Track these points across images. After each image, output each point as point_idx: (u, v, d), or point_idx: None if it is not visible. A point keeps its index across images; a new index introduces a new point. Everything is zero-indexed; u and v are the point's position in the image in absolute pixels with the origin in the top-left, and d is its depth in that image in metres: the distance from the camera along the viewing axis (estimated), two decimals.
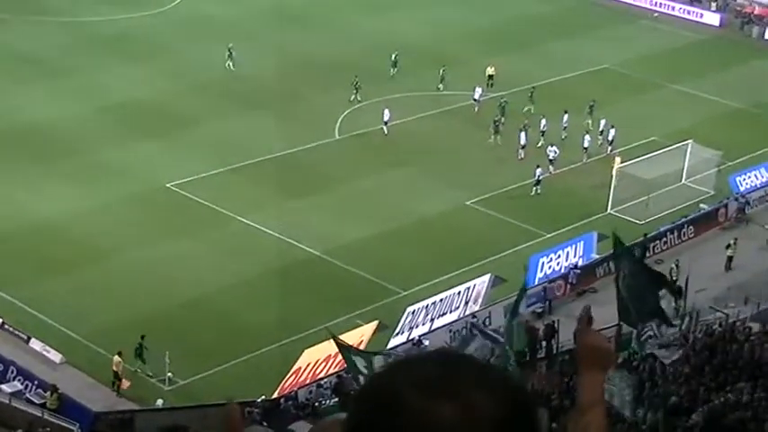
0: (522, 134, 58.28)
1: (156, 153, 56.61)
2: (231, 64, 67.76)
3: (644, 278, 32.97)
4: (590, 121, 61.33)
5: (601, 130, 60.86)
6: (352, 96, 63.63)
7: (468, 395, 2.81)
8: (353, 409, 2.90)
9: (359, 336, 41.19)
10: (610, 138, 59.93)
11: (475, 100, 64.60)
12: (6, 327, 42.15)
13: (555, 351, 40.11)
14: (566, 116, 60.96)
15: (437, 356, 2.92)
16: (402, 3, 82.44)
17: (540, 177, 54.78)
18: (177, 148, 57.29)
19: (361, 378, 32.17)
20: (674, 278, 45.91)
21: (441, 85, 66.28)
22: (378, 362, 32.21)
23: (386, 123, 60.11)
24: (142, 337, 39.95)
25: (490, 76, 67.50)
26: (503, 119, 60.58)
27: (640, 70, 72.54)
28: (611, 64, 73.65)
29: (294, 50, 70.86)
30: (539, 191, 54.92)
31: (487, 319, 44.51)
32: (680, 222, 52.65)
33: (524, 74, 68.67)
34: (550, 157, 56.67)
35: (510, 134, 59.03)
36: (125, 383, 38.88)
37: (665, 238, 51.16)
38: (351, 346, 34.71)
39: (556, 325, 40.81)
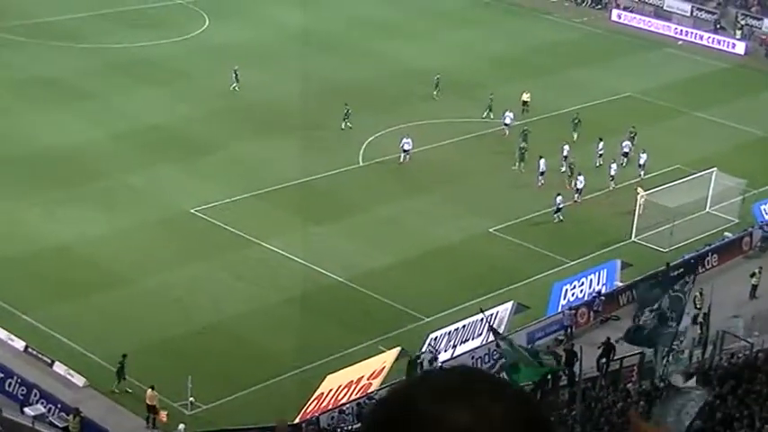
0: (542, 161, 58.22)
1: (179, 178, 56.81)
2: (236, 86, 68.21)
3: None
4: (633, 149, 61.56)
5: (624, 152, 60.91)
6: (343, 124, 63.51)
7: (483, 406, 2.85)
8: (370, 415, 2.95)
9: (381, 362, 41.15)
10: (641, 162, 59.81)
11: (505, 125, 64.74)
12: (30, 350, 42.27)
13: (577, 378, 39.86)
14: (600, 143, 60.92)
15: (455, 370, 2.97)
16: (426, 30, 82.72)
17: (561, 206, 54.67)
18: (201, 174, 57.46)
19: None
20: (698, 306, 45.81)
21: (506, 120, 65.36)
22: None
23: (406, 152, 59.97)
24: (124, 357, 40.03)
25: (525, 102, 67.76)
26: (526, 146, 60.57)
27: (664, 98, 72.47)
28: (634, 91, 73.60)
29: (318, 76, 71.11)
30: (561, 218, 54.83)
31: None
32: (704, 251, 52.44)
33: (547, 101, 68.69)
34: (578, 187, 56.56)
35: (534, 162, 58.99)
36: (162, 416, 38.82)
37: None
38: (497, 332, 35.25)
39: (578, 352, 40.58)
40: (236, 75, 68.50)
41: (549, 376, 37.36)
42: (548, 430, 2.94)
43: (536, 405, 2.95)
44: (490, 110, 66.19)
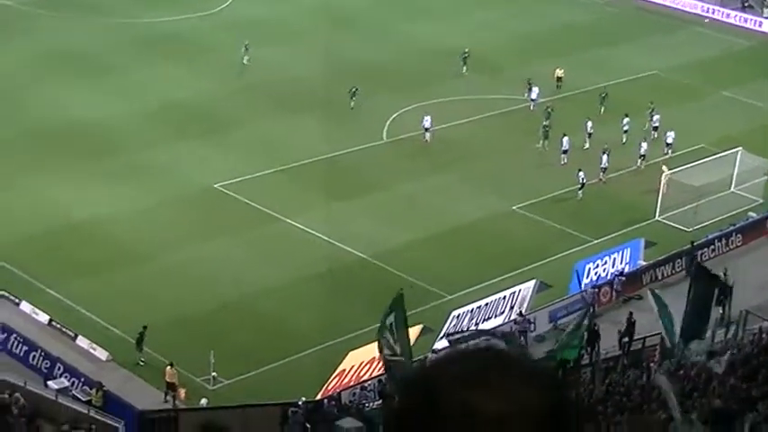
0: (565, 139, 58.07)
1: (203, 153, 56.90)
2: (247, 59, 68.37)
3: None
4: (647, 126, 61.62)
5: (654, 126, 60.80)
6: (352, 104, 63.26)
7: (510, 389, 2.81)
8: (399, 398, 2.92)
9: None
10: (669, 141, 59.58)
11: (532, 100, 64.72)
12: (54, 324, 42.51)
13: (597, 357, 39.93)
14: (626, 119, 60.87)
15: (482, 351, 2.92)
16: (449, 7, 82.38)
17: (584, 182, 54.54)
18: (225, 149, 57.53)
19: None
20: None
21: (530, 95, 65.52)
22: None
23: (427, 130, 59.89)
24: (144, 328, 40.29)
25: (559, 78, 67.82)
26: (548, 123, 60.43)
27: (690, 77, 72.09)
28: (660, 70, 73.22)
29: (342, 53, 70.98)
30: (581, 195, 54.67)
31: (532, 325, 44.47)
32: (728, 230, 52.25)
33: (572, 80, 68.43)
34: (602, 165, 56.40)
35: (557, 140, 58.83)
36: (181, 393, 38.96)
37: (712, 246, 50.78)
38: None
39: (598, 330, 40.59)
40: (247, 48, 68.62)
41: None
42: (577, 413, 2.90)
43: (566, 389, 2.91)
44: (530, 89, 65.95)
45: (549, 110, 61.96)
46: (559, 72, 68.30)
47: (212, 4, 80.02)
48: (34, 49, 69.18)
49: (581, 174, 54.59)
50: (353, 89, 63.05)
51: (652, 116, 62.24)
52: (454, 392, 2.81)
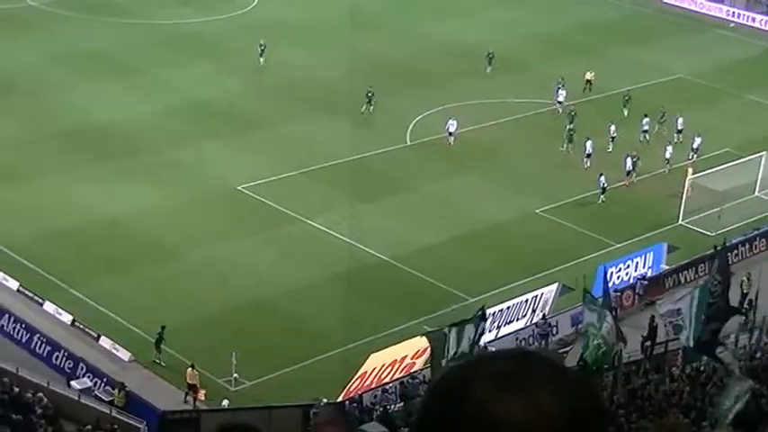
0: (589, 143, 57.95)
1: (227, 154, 57.03)
2: (263, 60, 68.48)
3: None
4: (657, 129, 61.60)
5: (678, 129, 60.61)
6: (363, 108, 62.77)
7: (538, 391, 2.80)
8: (425, 398, 2.93)
9: (425, 341, 41.11)
10: (695, 145, 59.35)
11: (558, 102, 64.68)
12: (77, 324, 42.67)
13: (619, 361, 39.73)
14: (645, 119, 60.86)
15: (512, 353, 2.93)
16: (473, 6, 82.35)
17: (605, 186, 54.39)
18: (248, 150, 57.66)
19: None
20: (745, 291, 45.51)
21: (559, 98, 65.36)
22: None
23: (451, 134, 59.67)
24: (162, 328, 40.41)
25: (588, 81, 67.71)
26: (572, 127, 60.33)
27: (715, 80, 71.86)
28: (685, 73, 73.01)
29: (366, 54, 71.04)
30: (604, 199, 54.53)
31: (554, 328, 44.38)
32: (752, 235, 52.04)
33: (596, 82, 68.23)
34: (627, 168, 56.27)
35: (582, 143, 58.69)
36: (201, 394, 39.07)
37: (736, 251, 50.56)
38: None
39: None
40: (263, 49, 68.64)
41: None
42: (604, 419, 2.89)
43: (594, 394, 2.89)
44: (558, 91, 65.70)
45: (573, 113, 61.84)
46: (589, 75, 68.11)
47: (237, 6, 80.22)
48: (59, 50, 69.52)
49: (602, 178, 54.46)
50: (370, 93, 62.70)
51: (663, 120, 61.94)
52: (478, 394, 2.81)
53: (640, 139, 60.53)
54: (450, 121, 59.83)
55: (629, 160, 56.38)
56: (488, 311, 43.01)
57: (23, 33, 72.30)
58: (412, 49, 73.30)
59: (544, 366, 2.88)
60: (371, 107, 62.65)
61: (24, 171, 54.10)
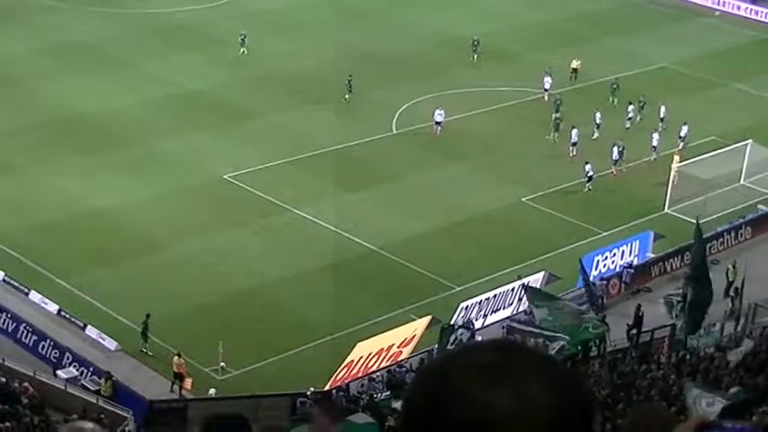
0: (574, 131, 57.99)
1: (212, 144, 56.97)
2: (245, 51, 68.31)
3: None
4: (639, 117, 61.79)
5: (661, 117, 60.67)
6: (347, 95, 62.89)
7: (524, 383, 2.77)
8: (411, 388, 2.88)
9: (411, 330, 41.26)
10: (682, 134, 59.36)
11: (545, 90, 64.72)
12: (63, 314, 42.61)
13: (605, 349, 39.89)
14: (630, 107, 61.00)
15: (496, 345, 2.88)
16: None
17: (591, 174, 54.41)
18: (234, 140, 57.57)
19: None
20: (731, 279, 45.65)
21: (545, 85, 65.51)
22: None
23: (438, 124, 59.72)
24: (147, 316, 40.35)
25: (574, 70, 67.77)
26: (559, 116, 60.37)
27: (700, 69, 71.93)
28: (669, 62, 73.10)
29: (352, 44, 70.98)
30: (590, 187, 54.58)
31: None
32: (737, 223, 52.16)
33: (581, 71, 68.29)
34: (614, 158, 56.33)
35: (568, 131, 58.78)
36: (188, 383, 39.07)
37: (721, 239, 50.70)
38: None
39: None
40: (244, 40, 68.51)
41: (581, 347, 37.37)
42: (591, 412, 2.85)
43: (581, 385, 2.86)
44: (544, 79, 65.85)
45: (559, 102, 61.89)
46: (575, 63, 68.13)
47: None
48: (45, 41, 69.34)
49: (588, 166, 54.52)
50: (349, 80, 62.71)
51: (642, 108, 61.91)
52: (465, 386, 2.78)
53: (627, 127, 60.73)
54: (438, 111, 59.77)
55: (615, 149, 56.42)
56: (474, 300, 43.25)
57: (9, 24, 72.02)
58: (399, 38, 73.24)
59: (531, 358, 2.85)
60: (350, 94, 62.66)
61: (10, 162, 53.94)
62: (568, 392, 2.82)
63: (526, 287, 41.58)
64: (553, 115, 60.51)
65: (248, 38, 68.61)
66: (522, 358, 2.84)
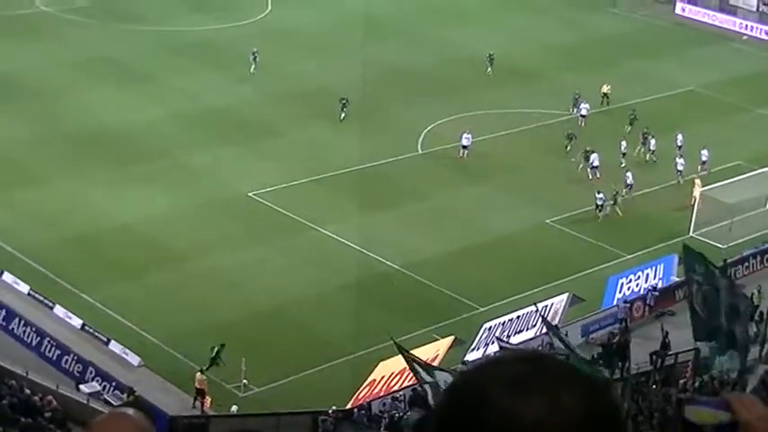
0: (594, 155, 57.79)
1: (238, 161, 57.08)
2: (254, 69, 68.33)
3: (724, 299, 33.06)
4: (643, 150, 61.11)
5: (678, 145, 60.32)
6: (342, 116, 62.69)
7: (555, 393, 2.79)
8: (441, 403, 2.90)
9: (434, 350, 41.16)
10: (703, 159, 59.13)
11: (582, 116, 64.52)
12: (87, 328, 42.71)
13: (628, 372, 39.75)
14: (653, 141, 60.63)
15: (525, 355, 2.91)
16: (486, 15, 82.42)
17: (601, 203, 53.98)
18: (259, 157, 57.70)
19: (429, 388, 32.41)
20: (756, 303, 45.41)
21: (574, 109, 65.56)
22: (440, 376, 32.37)
23: (465, 147, 59.17)
24: (222, 346, 40.05)
25: (605, 94, 67.55)
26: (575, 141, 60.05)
27: (727, 93, 71.70)
28: (696, 86, 72.92)
29: (379, 62, 71.10)
30: (604, 214, 54.03)
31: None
32: (763, 247, 51.95)
33: (611, 95, 68.14)
34: (628, 182, 56.10)
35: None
36: (207, 402, 39.04)
37: (747, 263, 50.50)
38: (417, 360, 34.75)
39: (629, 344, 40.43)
40: (255, 57, 68.57)
41: None
42: (620, 421, 2.88)
43: (610, 394, 2.88)
44: (575, 105, 65.76)
45: (581, 124, 61.95)
46: (606, 88, 67.80)
47: (251, 13, 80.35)
48: (73, 56, 69.71)
49: (599, 195, 54.00)
50: (344, 100, 62.53)
51: (646, 139, 61.15)
52: (496, 396, 2.79)
53: (647, 158, 60.44)
54: (465, 135, 59.41)
55: (629, 174, 56.20)
56: (497, 321, 43.15)
57: (38, 38, 72.42)
58: (425, 57, 73.31)
59: (560, 368, 2.87)
60: (344, 114, 62.47)
61: (37, 175, 54.22)
62: (598, 401, 2.84)
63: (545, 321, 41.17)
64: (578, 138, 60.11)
65: (259, 55, 68.48)
66: (551, 369, 2.86)
